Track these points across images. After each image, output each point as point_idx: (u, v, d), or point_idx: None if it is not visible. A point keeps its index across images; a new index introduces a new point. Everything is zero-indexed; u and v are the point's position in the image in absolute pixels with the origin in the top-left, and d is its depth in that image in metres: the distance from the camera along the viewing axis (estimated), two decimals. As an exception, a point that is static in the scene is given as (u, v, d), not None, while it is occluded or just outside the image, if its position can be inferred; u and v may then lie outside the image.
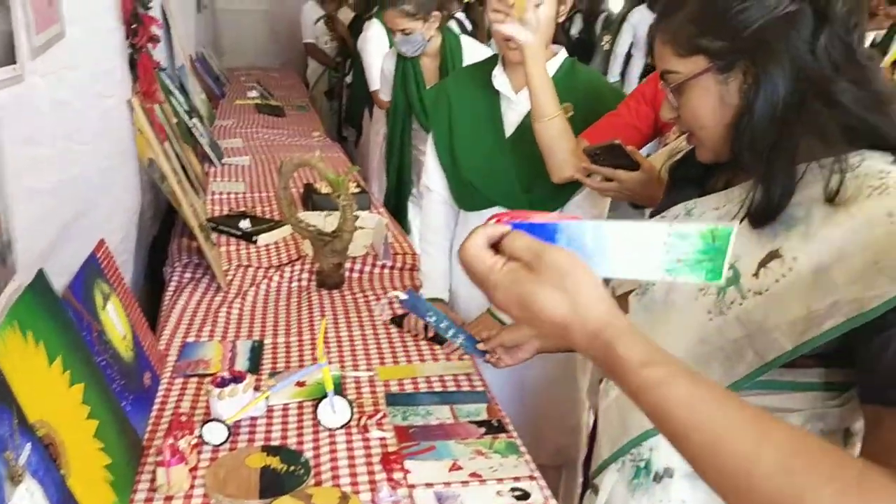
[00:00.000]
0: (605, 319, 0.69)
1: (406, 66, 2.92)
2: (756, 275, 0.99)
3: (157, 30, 1.98)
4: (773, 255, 0.97)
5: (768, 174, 0.97)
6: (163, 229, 2.54)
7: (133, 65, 1.87)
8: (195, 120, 3.25)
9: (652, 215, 1.25)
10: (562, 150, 1.61)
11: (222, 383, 1.35)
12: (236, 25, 7.06)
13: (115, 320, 1.43)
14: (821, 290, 0.91)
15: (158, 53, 3.05)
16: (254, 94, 4.95)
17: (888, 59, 3.71)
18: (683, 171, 1.21)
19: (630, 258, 0.71)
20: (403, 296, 1.27)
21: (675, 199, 1.18)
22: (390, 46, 3.06)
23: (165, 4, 3.48)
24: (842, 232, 0.90)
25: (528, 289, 0.70)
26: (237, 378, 1.37)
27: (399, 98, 2.97)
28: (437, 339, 1.71)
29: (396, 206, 3.09)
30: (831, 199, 0.92)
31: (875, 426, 0.90)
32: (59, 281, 1.25)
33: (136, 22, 1.82)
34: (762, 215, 0.99)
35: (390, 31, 2.96)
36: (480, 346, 1.39)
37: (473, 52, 2.84)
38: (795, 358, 0.95)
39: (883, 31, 5.25)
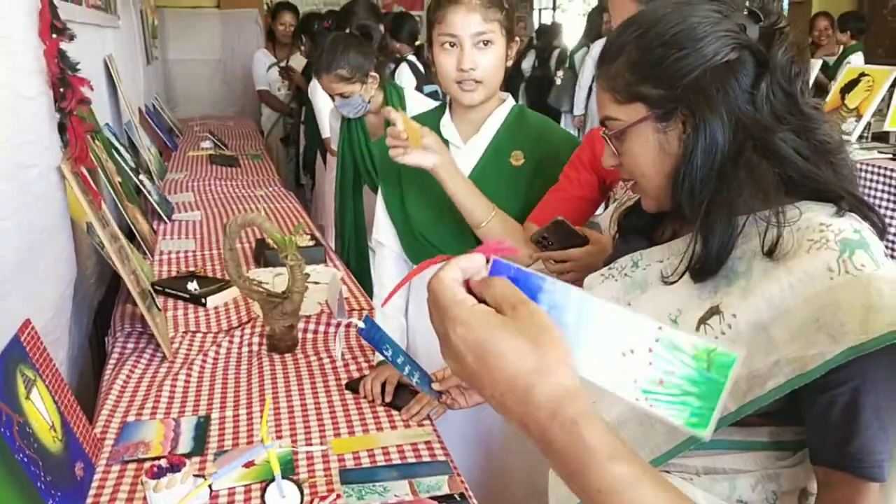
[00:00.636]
0: (573, 392, 0.60)
1: (351, 126, 2.86)
2: (696, 332, 0.95)
3: (88, 91, 1.89)
4: (714, 311, 0.93)
5: (706, 226, 0.93)
6: (110, 293, 2.42)
7: (63, 129, 1.77)
8: (143, 177, 3.15)
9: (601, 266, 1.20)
10: (514, 242, 1.57)
11: (158, 473, 1.24)
12: (188, 76, 7.01)
13: (41, 408, 1.31)
14: (761, 348, 0.88)
15: (101, 110, 2.97)
16: (207, 144, 4.86)
17: (838, 85, 3.74)
18: (631, 220, 1.19)
19: (607, 356, 0.61)
20: (361, 324, 1.20)
21: (623, 250, 1.15)
22: None
23: (110, 60, 3.40)
24: (780, 288, 0.87)
25: (497, 334, 0.61)
26: (175, 466, 1.26)
27: (346, 156, 2.91)
28: (395, 405, 1.63)
29: (358, 262, 2.99)
30: (769, 253, 0.89)
31: (825, 488, 0.89)
32: (-25, 373, 1.15)
33: (64, 85, 1.73)
34: (702, 269, 0.95)
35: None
36: (435, 386, 1.32)
37: (417, 105, 2.78)
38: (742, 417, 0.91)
39: (834, 57, 5.36)
